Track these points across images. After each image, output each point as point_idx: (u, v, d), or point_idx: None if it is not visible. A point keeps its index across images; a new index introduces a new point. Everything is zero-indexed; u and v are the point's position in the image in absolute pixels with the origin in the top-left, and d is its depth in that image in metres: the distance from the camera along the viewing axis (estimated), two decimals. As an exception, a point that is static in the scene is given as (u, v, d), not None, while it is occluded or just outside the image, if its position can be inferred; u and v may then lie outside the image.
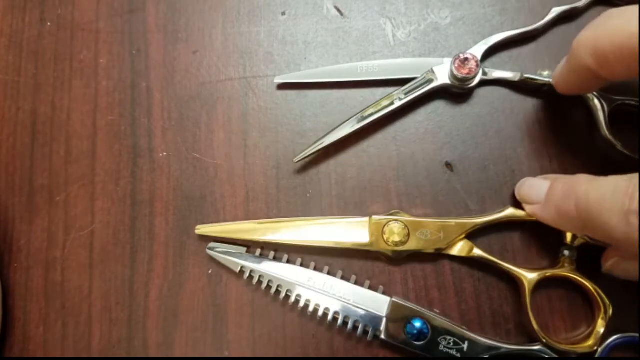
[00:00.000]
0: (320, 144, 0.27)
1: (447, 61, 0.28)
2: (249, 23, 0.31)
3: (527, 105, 0.28)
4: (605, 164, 0.27)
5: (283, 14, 0.31)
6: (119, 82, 0.31)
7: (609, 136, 0.25)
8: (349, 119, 0.28)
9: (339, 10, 0.31)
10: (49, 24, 0.32)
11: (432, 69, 0.28)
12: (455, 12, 0.30)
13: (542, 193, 0.24)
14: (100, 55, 0.31)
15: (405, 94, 0.28)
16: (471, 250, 0.26)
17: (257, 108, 0.29)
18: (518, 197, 0.26)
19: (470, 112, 0.29)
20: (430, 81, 0.28)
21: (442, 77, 0.28)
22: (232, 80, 0.30)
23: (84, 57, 0.31)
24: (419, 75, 0.28)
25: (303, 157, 0.27)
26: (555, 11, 0.28)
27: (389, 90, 0.28)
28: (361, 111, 0.28)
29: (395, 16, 0.30)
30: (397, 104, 0.27)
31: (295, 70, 0.30)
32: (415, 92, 0.28)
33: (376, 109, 0.27)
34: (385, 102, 0.28)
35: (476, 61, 0.27)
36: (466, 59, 0.27)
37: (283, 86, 0.30)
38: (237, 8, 0.31)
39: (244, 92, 0.30)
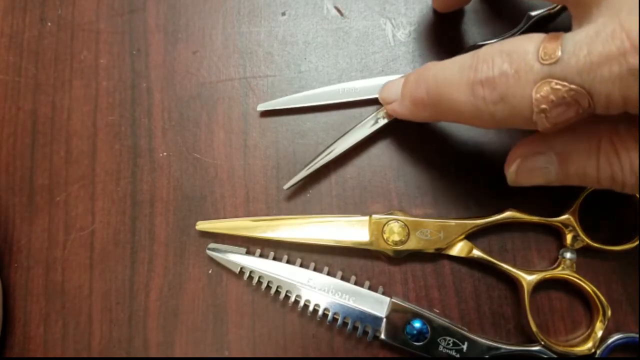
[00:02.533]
0: (310, 168, 0.27)
1: None
2: (249, 23, 0.31)
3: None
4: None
5: (283, 14, 0.31)
6: (119, 82, 0.31)
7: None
8: (334, 142, 0.28)
9: (339, 10, 0.31)
10: (49, 24, 0.32)
11: None
12: (455, 12, 0.30)
13: (398, 90, 0.25)
14: (100, 55, 0.31)
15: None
16: (471, 250, 0.26)
17: (257, 108, 0.29)
18: (381, 101, 0.27)
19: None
20: None
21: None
22: (232, 80, 0.30)
23: (84, 57, 0.31)
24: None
25: (292, 183, 0.28)
26: (530, 15, 0.28)
27: (374, 108, 0.28)
28: (346, 132, 0.28)
29: (395, 16, 0.30)
30: (382, 122, 0.27)
31: (295, 70, 0.30)
32: None
33: (362, 129, 0.28)
34: (371, 122, 0.28)
35: None
36: None
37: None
38: (237, 8, 0.31)
39: (244, 92, 0.30)
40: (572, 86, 0.17)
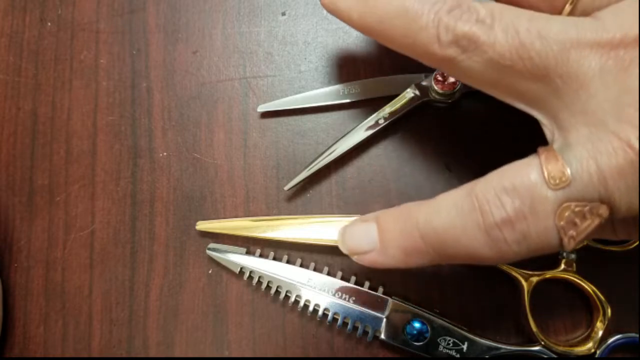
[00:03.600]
0: (310, 169, 0.27)
1: (429, 76, 0.27)
2: (249, 23, 0.31)
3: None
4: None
5: (283, 14, 0.31)
6: (119, 82, 0.31)
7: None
8: (334, 143, 0.28)
9: (339, 10, 0.31)
10: (49, 24, 0.32)
11: (413, 85, 0.28)
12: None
13: (372, 237, 0.21)
14: (100, 55, 0.31)
15: (390, 113, 0.27)
16: (471, 250, 0.26)
17: (257, 108, 0.29)
18: (347, 252, 0.22)
19: (467, 114, 0.28)
20: (412, 99, 0.27)
21: (424, 92, 0.27)
22: (232, 80, 0.30)
23: (84, 57, 0.31)
24: (400, 93, 0.28)
25: (293, 184, 0.28)
26: None
27: (374, 108, 0.28)
28: (347, 133, 0.28)
29: (395, 16, 0.30)
30: (383, 123, 0.27)
31: (295, 70, 0.30)
32: (400, 110, 0.27)
33: (362, 130, 0.28)
34: (371, 123, 0.28)
35: None
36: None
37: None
38: (237, 8, 0.31)
39: (244, 92, 0.30)
40: (593, 203, 0.17)
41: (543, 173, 0.17)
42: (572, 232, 0.17)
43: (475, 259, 0.19)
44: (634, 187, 0.16)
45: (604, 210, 0.17)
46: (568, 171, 0.17)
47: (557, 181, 0.17)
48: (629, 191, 0.16)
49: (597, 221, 0.17)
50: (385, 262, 0.21)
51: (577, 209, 0.17)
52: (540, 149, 0.18)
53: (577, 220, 0.17)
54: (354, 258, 0.22)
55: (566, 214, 0.17)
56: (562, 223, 0.17)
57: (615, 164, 0.16)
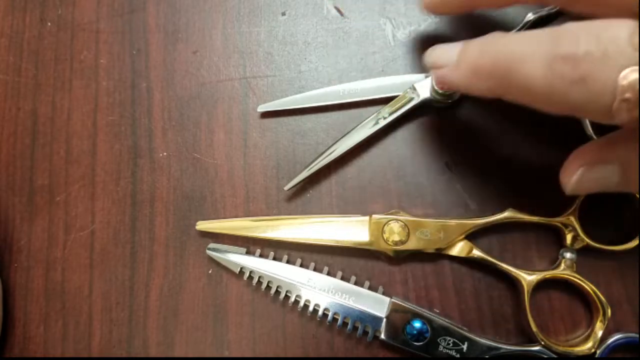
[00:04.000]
0: (310, 169, 0.27)
1: (428, 77, 0.27)
2: (249, 23, 0.31)
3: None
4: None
5: (283, 14, 0.31)
6: (119, 82, 0.31)
7: (594, 136, 0.25)
8: (334, 143, 0.28)
9: (339, 11, 0.31)
10: (49, 24, 0.32)
11: (413, 86, 0.28)
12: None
13: (452, 54, 0.22)
14: (100, 55, 0.31)
15: (390, 113, 0.27)
16: (471, 250, 0.26)
17: (257, 108, 0.29)
18: (428, 64, 0.24)
19: (467, 114, 0.29)
20: (412, 99, 0.27)
21: (424, 92, 0.27)
22: (232, 80, 0.30)
23: (84, 57, 0.31)
24: (400, 93, 0.28)
25: (293, 184, 0.27)
26: (530, 16, 0.28)
27: (375, 108, 0.28)
28: (347, 133, 0.28)
29: (395, 16, 0.30)
30: (382, 123, 0.27)
31: (295, 70, 0.30)
32: (399, 110, 0.27)
33: (362, 130, 0.27)
34: (371, 123, 0.28)
35: None
36: None
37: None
38: (237, 8, 0.31)
39: (244, 92, 0.30)
40: None
41: (632, 33, 0.17)
42: (628, 96, 0.17)
43: (526, 93, 0.19)
44: None
45: None
46: None
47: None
48: None
49: None
50: (452, 79, 0.22)
51: None
52: None
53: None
54: (432, 72, 0.24)
55: (633, 75, 0.16)
56: (625, 82, 0.17)
57: None
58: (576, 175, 0.21)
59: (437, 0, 0.26)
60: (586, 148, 0.22)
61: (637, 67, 0.16)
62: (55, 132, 0.30)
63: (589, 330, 0.25)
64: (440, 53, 0.23)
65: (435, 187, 0.28)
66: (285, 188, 0.28)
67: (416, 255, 0.27)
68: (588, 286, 0.25)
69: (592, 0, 0.20)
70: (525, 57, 0.19)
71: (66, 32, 0.32)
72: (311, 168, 0.27)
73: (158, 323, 0.28)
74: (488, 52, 0.21)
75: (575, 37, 0.18)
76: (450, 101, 0.27)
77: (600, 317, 0.24)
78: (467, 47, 0.22)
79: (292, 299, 0.26)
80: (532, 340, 0.25)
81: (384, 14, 0.30)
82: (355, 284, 0.26)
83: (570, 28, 0.18)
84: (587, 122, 0.25)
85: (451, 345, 0.25)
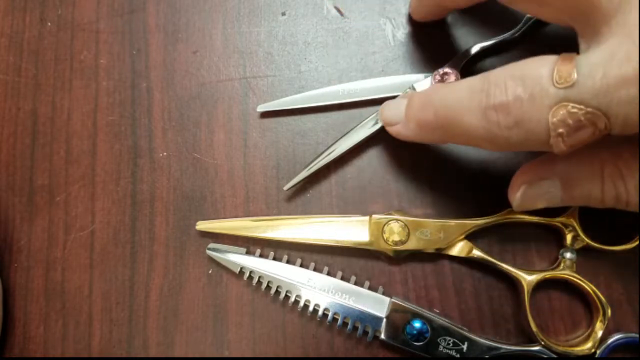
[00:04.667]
0: (310, 169, 0.27)
1: (428, 77, 0.28)
2: (249, 23, 0.31)
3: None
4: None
5: (283, 14, 0.31)
6: (119, 82, 0.31)
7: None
8: (334, 143, 0.28)
9: (339, 11, 0.31)
10: (49, 24, 0.32)
11: (412, 86, 0.28)
12: (454, 13, 0.30)
13: (401, 111, 0.24)
14: (100, 55, 0.31)
15: None
16: (471, 250, 0.26)
17: (257, 108, 0.29)
18: (383, 123, 0.26)
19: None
20: None
21: None
22: (232, 80, 0.30)
23: (84, 57, 0.31)
24: (400, 93, 0.28)
25: (293, 184, 0.28)
26: (528, 17, 0.28)
27: (375, 108, 0.28)
28: (346, 133, 0.28)
29: (395, 16, 0.30)
30: (382, 123, 0.27)
31: (295, 70, 0.30)
32: None
33: (362, 130, 0.28)
34: (371, 123, 0.28)
35: (456, 75, 0.27)
36: (445, 73, 0.27)
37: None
38: (237, 8, 0.31)
39: (244, 92, 0.30)
40: (589, 109, 0.17)
41: (553, 70, 0.18)
42: (561, 130, 0.18)
43: (469, 139, 0.21)
44: (635, 100, 0.16)
45: (599, 120, 0.17)
46: (575, 73, 0.17)
47: (562, 80, 0.18)
48: (629, 103, 0.17)
49: (590, 130, 0.18)
50: (405, 135, 0.25)
51: (572, 110, 0.17)
52: (564, 53, 0.19)
53: (570, 122, 0.18)
54: (387, 129, 0.26)
55: (561, 112, 0.18)
56: (555, 119, 0.18)
57: (623, 74, 0.16)
58: (519, 192, 0.23)
59: (414, 6, 0.28)
60: (527, 166, 0.23)
61: (563, 103, 0.18)
62: (55, 132, 0.30)
63: (589, 330, 0.25)
64: (390, 110, 0.26)
65: (435, 187, 0.28)
66: (285, 188, 0.28)
67: (416, 255, 0.27)
68: (588, 286, 0.25)
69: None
70: (461, 110, 0.20)
71: (66, 32, 0.32)
72: (311, 168, 0.27)
73: (158, 323, 0.28)
74: (428, 107, 0.22)
75: (504, 84, 0.19)
76: None
77: (600, 317, 0.24)
78: (411, 103, 0.24)
79: (292, 299, 0.26)
80: (532, 340, 0.25)
81: (384, 14, 0.30)
82: (355, 284, 0.26)
83: (499, 74, 0.20)
84: None
85: (451, 345, 0.25)
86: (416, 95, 0.24)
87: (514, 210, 0.24)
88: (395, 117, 0.25)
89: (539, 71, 0.18)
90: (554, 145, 0.19)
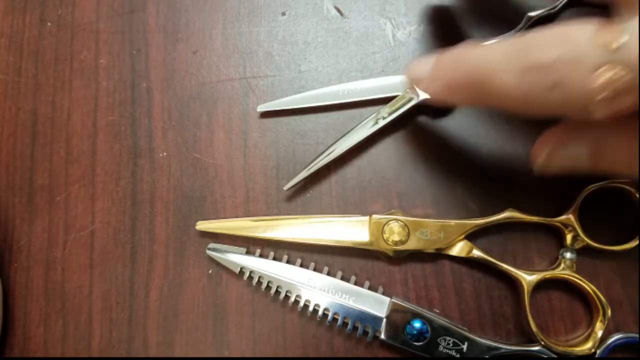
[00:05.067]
0: (310, 169, 0.27)
1: None
2: (249, 23, 0.31)
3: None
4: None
5: (283, 14, 0.31)
6: (119, 82, 0.31)
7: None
8: (334, 143, 0.28)
9: (339, 11, 0.31)
10: (49, 24, 0.32)
11: (413, 85, 0.28)
12: (455, 12, 0.30)
13: (428, 67, 0.23)
14: (100, 55, 0.31)
15: (389, 113, 0.27)
16: (471, 250, 0.26)
17: (257, 108, 0.29)
18: (408, 80, 0.26)
19: (467, 114, 0.29)
20: (411, 99, 0.27)
21: (424, 93, 0.27)
22: (232, 80, 0.30)
23: (84, 57, 0.31)
24: (400, 93, 0.28)
25: (293, 184, 0.27)
26: (529, 16, 0.28)
27: (375, 108, 0.28)
28: (346, 133, 0.28)
29: (395, 16, 0.30)
30: (382, 123, 0.27)
31: (295, 70, 0.30)
32: (399, 110, 0.27)
33: (362, 130, 0.27)
34: (371, 123, 0.27)
35: None
36: None
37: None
38: (237, 8, 0.31)
39: (244, 92, 0.30)
40: (636, 73, 0.16)
41: (598, 32, 0.17)
42: (605, 94, 0.17)
43: (504, 100, 0.20)
44: None
45: None
46: (621, 36, 0.17)
47: (608, 43, 0.17)
48: None
49: (632, 96, 0.17)
50: (430, 91, 0.24)
51: (620, 73, 0.17)
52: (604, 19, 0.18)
53: (615, 86, 0.17)
54: (416, 87, 0.25)
55: (608, 74, 0.17)
56: (599, 82, 0.17)
57: None
58: (545, 152, 0.22)
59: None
60: (556, 129, 0.22)
61: (608, 65, 0.17)
62: (55, 132, 0.30)
63: (589, 330, 0.25)
64: (417, 68, 0.25)
65: (435, 187, 0.28)
66: (285, 188, 0.28)
67: (416, 255, 0.27)
68: (588, 286, 0.25)
69: None
70: (497, 69, 0.19)
71: (66, 32, 0.32)
72: (311, 168, 0.27)
73: (158, 323, 0.28)
74: (460, 65, 0.21)
75: (544, 44, 0.18)
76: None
77: (600, 317, 0.24)
78: (440, 60, 0.23)
79: (292, 299, 0.26)
80: (532, 340, 0.25)
81: (384, 14, 0.30)
82: (355, 284, 0.26)
83: (539, 35, 0.19)
84: None
85: (451, 345, 0.25)
86: (447, 53, 0.22)
87: (535, 173, 0.23)
88: (421, 73, 0.24)
89: (583, 32, 0.18)
90: (595, 109, 0.18)
